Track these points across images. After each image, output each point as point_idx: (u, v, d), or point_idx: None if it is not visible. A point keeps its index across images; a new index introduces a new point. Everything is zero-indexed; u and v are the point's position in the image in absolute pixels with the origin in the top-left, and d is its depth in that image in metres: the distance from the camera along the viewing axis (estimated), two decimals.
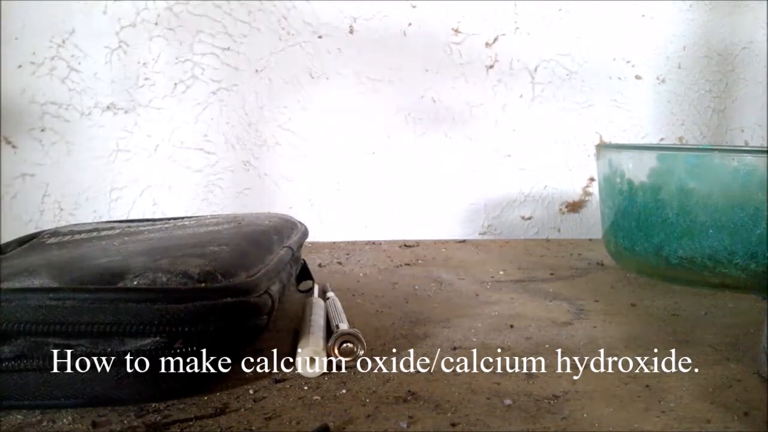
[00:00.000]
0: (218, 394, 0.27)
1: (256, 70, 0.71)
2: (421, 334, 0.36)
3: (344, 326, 0.32)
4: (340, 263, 0.57)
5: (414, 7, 0.73)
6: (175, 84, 0.70)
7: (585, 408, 0.26)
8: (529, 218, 0.79)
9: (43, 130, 0.68)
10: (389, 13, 0.73)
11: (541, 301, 0.44)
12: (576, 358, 0.32)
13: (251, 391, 0.28)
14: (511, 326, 0.38)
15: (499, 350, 0.33)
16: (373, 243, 0.68)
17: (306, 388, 0.28)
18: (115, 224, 0.43)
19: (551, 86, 0.77)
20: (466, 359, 0.32)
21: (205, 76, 0.70)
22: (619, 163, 0.49)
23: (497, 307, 0.42)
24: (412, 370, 0.30)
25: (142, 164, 0.70)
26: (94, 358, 0.25)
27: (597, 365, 0.31)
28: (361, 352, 0.31)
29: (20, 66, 0.67)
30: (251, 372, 0.30)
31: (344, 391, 0.28)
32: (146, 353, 0.25)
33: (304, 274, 0.45)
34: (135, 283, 0.26)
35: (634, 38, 0.78)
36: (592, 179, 0.80)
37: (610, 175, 0.51)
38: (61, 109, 0.68)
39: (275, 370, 0.30)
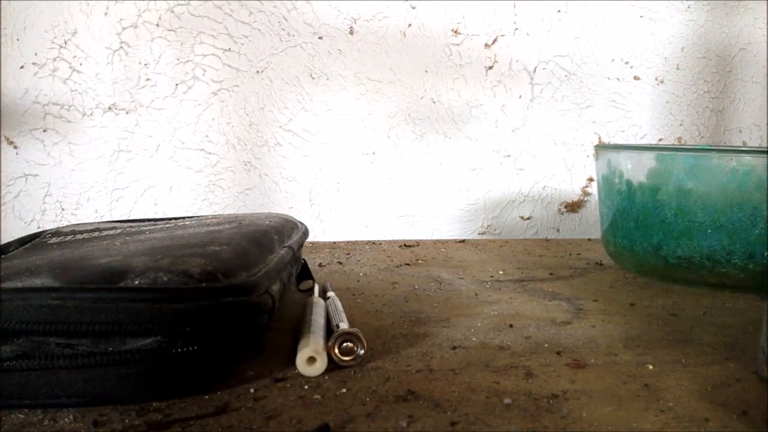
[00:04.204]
0: (219, 393, 0.27)
1: (257, 71, 0.71)
2: (420, 333, 0.36)
3: (344, 326, 0.33)
4: (340, 263, 0.57)
5: (414, 8, 0.73)
6: (177, 85, 0.70)
7: (584, 407, 0.26)
8: (529, 218, 0.79)
9: (45, 131, 0.68)
10: (389, 14, 0.73)
11: (540, 301, 0.44)
12: (575, 358, 0.32)
13: (252, 391, 0.28)
14: (511, 326, 0.38)
15: (498, 349, 0.34)
16: (373, 243, 0.68)
17: (306, 387, 0.28)
18: (117, 224, 0.43)
19: (550, 87, 0.77)
20: (465, 358, 0.32)
21: (206, 77, 0.70)
22: (617, 163, 0.50)
23: (497, 307, 0.42)
24: (411, 369, 0.31)
25: (143, 164, 0.70)
26: (96, 358, 0.25)
27: (596, 364, 0.32)
28: (362, 352, 0.31)
29: (22, 67, 0.67)
30: (252, 371, 0.30)
31: (344, 391, 0.28)
32: (147, 353, 0.25)
33: (305, 273, 0.45)
34: (136, 282, 0.26)
35: (632, 39, 0.78)
36: (591, 179, 0.80)
37: (609, 176, 0.51)
38: (63, 110, 0.68)
39: (275, 370, 0.30)
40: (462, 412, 0.26)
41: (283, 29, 0.71)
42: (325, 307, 0.37)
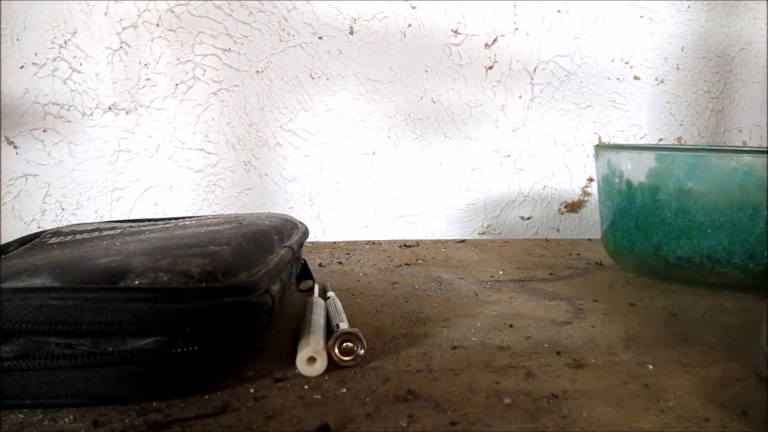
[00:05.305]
0: (219, 393, 0.27)
1: (257, 71, 0.71)
2: (420, 333, 0.36)
3: (344, 325, 0.33)
4: (340, 263, 0.57)
5: (414, 8, 0.73)
6: (177, 85, 0.70)
7: (584, 407, 0.26)
8: (529, 218, 0.79)
9: (45, 131, 0.68)
10: (389, 14, 0.73)
11: (540, 301, 0.44)
12: (575, 358, 0.32)
13: (252, 391, 0.28)
14: (511, 326, 0.38)
15: (498, 349, 0.34)
16: (373, 243, 0.68)
17: (306, 387, 0.28)
18: (117, 224, 0.43)
19: (550, 87, 0.77)
20: (465, 358, 0.32)
21: (206, 77, 0.70)
22: (617, 163, 0.50)
23: (497, 307, 0.42)
24: (412, 369, 0.31)
25: (143, 164, 0.70)
26: (96, 358, 0.25)
27: (596, 364, 0.32)
28: (362, 352, 0.31)
29: (22, 67, 0.67)
30: (252, 371, 0.30)
31: (344, 391, 0.28)
32: (147, 353, 0.25)
33: (305, 273, 0.45)
34: (136, 282, 0.26)
35: (632, 39, 0.78)
36: (591, 179, 0.80)
37: (609, 176, 0.51)
38: (63, 110, 0.68)
39: (275, 370, 0.30)
40: (462, 412, 0.26)
41: (283, 29, 0.71)
42: (325, 307, 0.37)
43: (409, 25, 0.73)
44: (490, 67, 0.76)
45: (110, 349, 0.25)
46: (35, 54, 0.67)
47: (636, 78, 0.79)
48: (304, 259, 0.46)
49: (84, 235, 0.38)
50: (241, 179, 0.73)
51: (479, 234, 0.78)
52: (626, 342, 0.35)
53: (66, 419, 0.25)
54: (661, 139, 0.81)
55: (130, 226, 0.41)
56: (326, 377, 0.29)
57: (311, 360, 0.29)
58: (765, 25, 0.81)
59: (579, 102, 0.78)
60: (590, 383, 0.29)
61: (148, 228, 0.40)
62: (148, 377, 0.26)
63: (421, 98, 0.75)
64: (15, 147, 0.68)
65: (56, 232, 0.40)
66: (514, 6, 0.75)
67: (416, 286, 0.48)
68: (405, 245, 0.67)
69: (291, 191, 0.74)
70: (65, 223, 0.69)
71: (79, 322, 0.25)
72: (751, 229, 0.43)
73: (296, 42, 0.72)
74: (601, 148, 0.53)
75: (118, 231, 0.39)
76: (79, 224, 0.43)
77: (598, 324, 0.39)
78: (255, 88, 0.71)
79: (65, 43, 0.67)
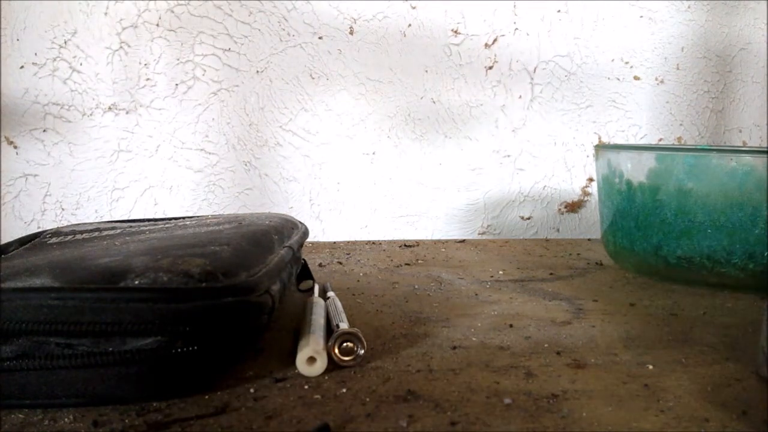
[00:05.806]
0: (219, 393, 0.27)
1: (257, 71, 0.71)
2: (420, 333, 0.36)
3: (344, 325, 0.33)
4: (340, 263, 0.57)
5: (414, 8, 0.73)
6: (176, 85, 0.70)
7: (584, 407, 0.27)
8: (529, 218, 0.79)
9: (45, 131, 0.68)
10: (389, 14, 0.73)
11: (540, 301, 0.44)
12: (575, 358, 0.32)
13: (252, 391, 0.28)
14: (511, 326, 0.38)
15: (498, 349, 0.34)
16: (373, 243, 0.68)
17: (306, 387, 0.28)
18: (117, 224, 0.43)
19: (550, 87, 0.77)
20: (465, 358, 0.32)
21: (206, 77, 0.70)
22: (617, 163, 0.50)
23: (497, 307, 0.42)
24: (412, 369, 0.31)
25: (143, 164, 0.70)
26: (96, 358, 0.25)
27: (596, 364, 0.32)
28: (362, 352, 0.31)
29: (22, 67, 0.67)
30: (252, 371, 0.30)
31: (344, 391, 0.28)
32: (147, 353, 0.25)
33: (305, 273, 0.45)
34: (136, 282, 0.26)
35: (632, 39, 0.78)
36: (590, 179, 0.80)
37: (609, 176, 0.51)
38: (63, 110, 0.68)
39: (275, 370, 0.30)
40: (462, 412, 0.26)
41: (283, 29, 0.71)
42: (325, 307, 0.37)
43: (409, 25, 0.73)
44: (490, 67, 0.76)
45: (110, 349, 0.25)
46: (35, 54, 0.67)
47: (636, 78, 0.79)
48: (304, 259, 0.46)
49: (84, 235, 0.38)
50: (241, 179, 0.73)
51: (479, 234, 0.78)
52: (626, 342, 0.35)
53: (66, 419, 0.25)
54: (661, 139, 0.81)
55: (130, 226, 0.41)
56: (326, 377, 0.29)
57: (311, 360, 0.29)
58: (765, 25, 0.81)
59: (579, 102, 0.78)
60: (590, 383, 0.29)
61: (148, 228, 0.40)
62: (148, 377, 0.26)
63: (421, 98, 0.75)
64: (15, 147, 0.68)
65: (56, 232, 0.40)
66: (514, 6, 0.75)
67: (416, 286, 0.48)
68: (405, 245, 0.67)
69: (291, 191, 0.74)
70: (65, 223, 0.70)
71: (79, 322, 0.25)
72: (751, 229, 0.43)
73: (296, 42, 0.72)
74: (601, 148, 0.53)
75: (118, 231, 0.39)
76: (79, 224, 0.43)
77: (598, 324, 0.39)
78: (255, 88, 0.71)
79: (65, 43, 0.67)
